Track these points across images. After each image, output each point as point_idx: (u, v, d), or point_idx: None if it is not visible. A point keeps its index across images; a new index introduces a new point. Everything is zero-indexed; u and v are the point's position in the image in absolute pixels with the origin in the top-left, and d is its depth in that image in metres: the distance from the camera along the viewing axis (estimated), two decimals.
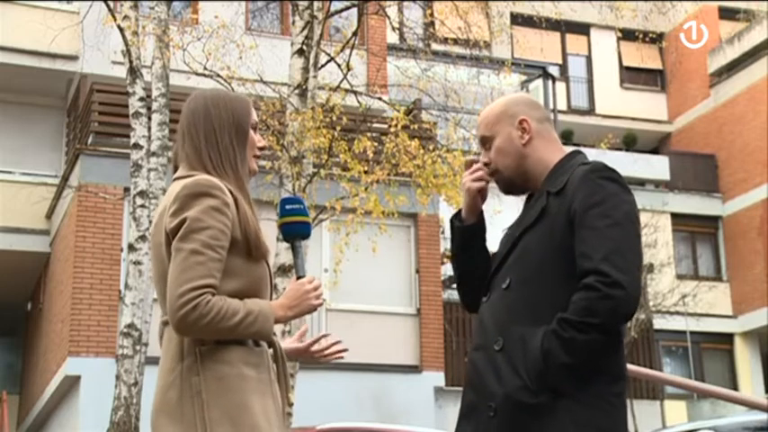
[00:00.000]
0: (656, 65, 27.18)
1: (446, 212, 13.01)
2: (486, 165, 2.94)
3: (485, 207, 3.05)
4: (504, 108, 2.94)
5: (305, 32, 10.48)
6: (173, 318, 2.54)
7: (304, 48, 10.45)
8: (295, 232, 2.83)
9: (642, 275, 2.80)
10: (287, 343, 3.03)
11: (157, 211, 2.74)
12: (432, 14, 13.68)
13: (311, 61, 10.54)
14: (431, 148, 11.42)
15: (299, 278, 2.78)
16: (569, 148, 2.99)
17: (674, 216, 23.73)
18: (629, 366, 5.84)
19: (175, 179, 2.75)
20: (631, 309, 2.61)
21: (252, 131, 2.82)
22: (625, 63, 26.71)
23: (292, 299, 2.73)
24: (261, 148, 2.84)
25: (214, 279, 2.56)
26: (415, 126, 12.85)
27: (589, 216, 2.66)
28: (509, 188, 2.95)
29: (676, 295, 20.98)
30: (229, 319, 2.54)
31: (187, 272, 2.53)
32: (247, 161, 2.80)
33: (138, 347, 9.35)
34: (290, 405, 2.53)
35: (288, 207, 2.82)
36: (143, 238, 9.61)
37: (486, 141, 2.94)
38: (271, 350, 2.76)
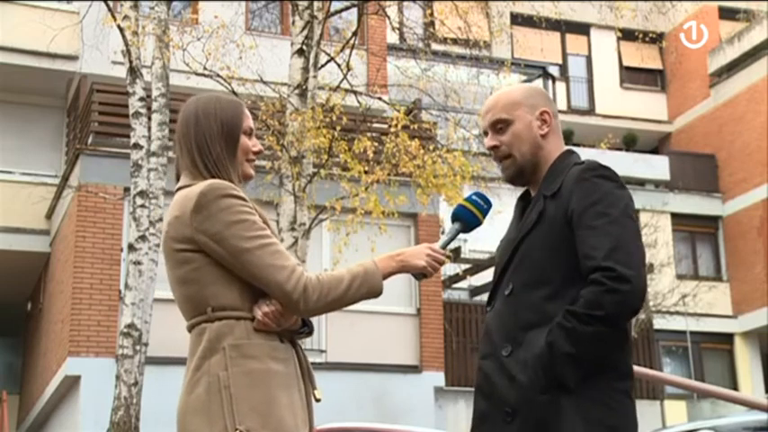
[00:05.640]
0: (656, 65, 27.17)
1: (446, 212, 13.02)
2: (495, 148, 2.90)
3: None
4: (525, 95, 2.92)
5: (305, 32, 10.49)
6: (296, 308, 2.64)
7: (304, 48, 10.45)
8: (461, 216, 2.91)
9: (645, 270, 2.79)
10: None
11: (168, 219, 2.74)
12: (432, 14, 13.67)
13: (311, 61, 10.55)
14: (431, 148, 11.41)
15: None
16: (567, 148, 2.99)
17: (674, 216, 23.73)
18: None
19: (179, 188, 2.78)
20: (638, 303, 2.60)
21: (245, 137, 2.83)
22: (625, 63, 26.71)
23: (406, 253, 2.81)
24: (256, 153, 2.86)
25: (292, 259, 2.68)
26: (415, 126, 12.84)
27: (587, 215, 2.67)
28: (517, 176, 2.91)
29: (676, 295, 20.98)
30: (337, 286, 2.66)
31: (274, 264, 2.63)
32: (239, 168, 2.82)
33: (138, 347, 9.35)
34: (318, 401, 2.53)
35: (474, 197, 2.91)
36: (143, 238, 9.61)
37: (501, 124, 2.89)
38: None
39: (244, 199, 2.69)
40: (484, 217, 2.91)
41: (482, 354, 2.80)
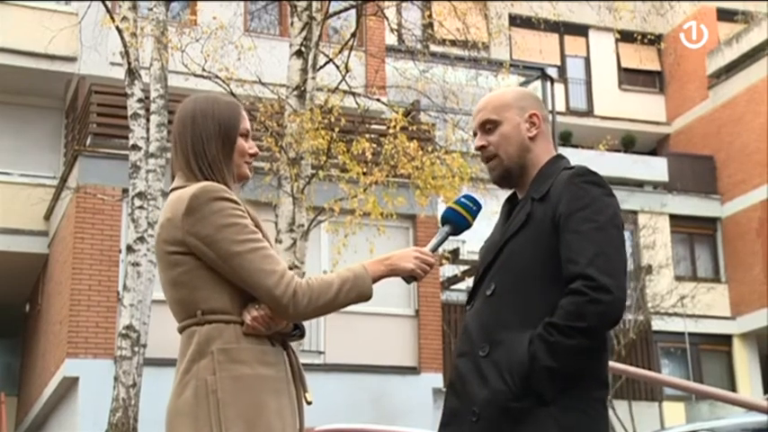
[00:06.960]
0: (655, 66, 27.19)
1: None
2: (482, 148, 2.91)
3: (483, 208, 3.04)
4: (516, 97, 2.94)
5: (303, 34, 10.48)
6: (285, 313, 2.63)
7: (302, 49, 10.44)
8: (451, 219, 2.91)
9: (627, 279, 2.79)
10: None
11: (161, 221, 2.74)
12: (430, 16, 13.67)
13: (310, 62, 10.54)
14: (429, 149, 11.41)
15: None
16: (561, 151, 2.99)
17: (673, 217, 23.72)
18: (629, 368, 5.86)
19: (173, 189, 2.77)
20: (618, 313, 2.61)
21: (242, 139, 2.81)
22: (623, 64, 26.72)
23: (395, 256, 2.80)
24: (252, 155, 2.85)
25: (283, 263, 2.67)
26: (414, 127, 12.84)
27: (573, 220, 2.67)
28: (503, 177, 2.91)
29: (675, 297, 20.98)
30: (326, 291, 2.64)
31: (264, 268, 2.61)
32: (234, 170, 2.81)
33: (136, 349, 9.34)
34: (309, 403, 2.54)
35: (463, 200, 2.92)
36: (141, 239, 9.60)
37: (489, 125, 2.91)
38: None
39: (236, 202, 2.67)
40: (473, 219, 2.91)
41: (459, 352, 2.80)
